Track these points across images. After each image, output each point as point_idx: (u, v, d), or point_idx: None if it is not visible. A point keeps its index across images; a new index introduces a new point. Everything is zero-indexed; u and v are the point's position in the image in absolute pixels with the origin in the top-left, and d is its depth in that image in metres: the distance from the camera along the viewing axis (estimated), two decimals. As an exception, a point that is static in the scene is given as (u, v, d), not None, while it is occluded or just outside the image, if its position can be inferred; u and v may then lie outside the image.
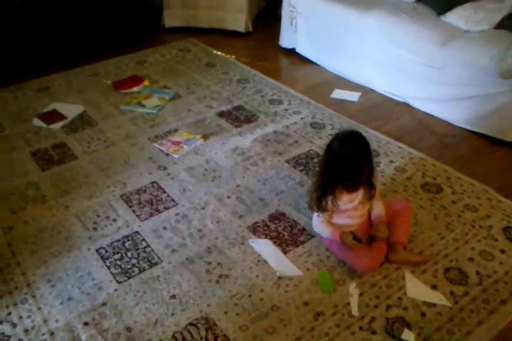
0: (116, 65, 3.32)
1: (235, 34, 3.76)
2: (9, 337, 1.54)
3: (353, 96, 2.89)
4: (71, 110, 2.80)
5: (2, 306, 1.64)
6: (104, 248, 1.86)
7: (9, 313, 1.61)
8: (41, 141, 2.53)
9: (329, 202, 1.67)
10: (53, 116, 2.74)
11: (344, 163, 1.58)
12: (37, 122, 2.69)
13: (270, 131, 2.56)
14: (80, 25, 3.42)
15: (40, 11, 3.23)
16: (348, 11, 2.89)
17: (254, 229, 1.93)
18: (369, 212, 1.80)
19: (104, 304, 1.63)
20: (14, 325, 1.57)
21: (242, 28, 3.74)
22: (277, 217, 1.99)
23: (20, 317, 1.60)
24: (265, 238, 1.88)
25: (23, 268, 1.78)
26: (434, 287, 1.66)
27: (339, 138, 1.62)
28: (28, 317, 1.60)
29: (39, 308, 1.63)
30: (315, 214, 1.75)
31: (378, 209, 1.78)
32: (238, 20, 3.71)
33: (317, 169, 1.87)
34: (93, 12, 3.45)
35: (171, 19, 3.83)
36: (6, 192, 2.16)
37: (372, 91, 2.93)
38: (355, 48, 2.92)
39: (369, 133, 2.51)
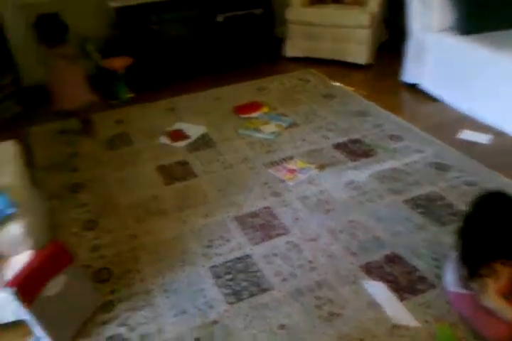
0: (239, 91, 3.49)
1: (354, 66, 3.77)
2: (126, 340, 1.63)
3: (484, 138, 2.69)
4: (194, 130, 2.99)
5: (121, 309, 1.75)
6: (217, 266, 1.91)
7: (128, 317, 1.72)
8: (166, 158, 2.72)
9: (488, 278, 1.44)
10: (178, 135, 2.95)
11: (490, 235, 1.37)
12: (163, 139, 2.92)
13: (388, 167, 2.47)
14: (209, 54, 3.72)
15: (175, 39, 3.58)
16: (483, 48, 2.74)
17: (368, 270, 1.85)
18: None
19: (215, 322, 1.67)
20: (132, 329, 1.67)
21: (362, 60, 3.73)
22: (393, 259, 1.89)
23: (138, 323, 1.69)
24: (380, 281, 1.79)
25: (143, 275, 1.90)
26: None
27: (481, 201, 1.42)
28: (144, 323, 1.69)
29: (155, 317, 1.71)
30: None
31: None
32: (359, 52, 3.72)
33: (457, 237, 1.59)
34: (222, 41, 3.73)
35: (293, 49, 3.97)
36: (132, 203, 2.35)
37: (506, 134, 2.71)
38: (488, 88, 2.74)
39: (503, 180, 2.31)
